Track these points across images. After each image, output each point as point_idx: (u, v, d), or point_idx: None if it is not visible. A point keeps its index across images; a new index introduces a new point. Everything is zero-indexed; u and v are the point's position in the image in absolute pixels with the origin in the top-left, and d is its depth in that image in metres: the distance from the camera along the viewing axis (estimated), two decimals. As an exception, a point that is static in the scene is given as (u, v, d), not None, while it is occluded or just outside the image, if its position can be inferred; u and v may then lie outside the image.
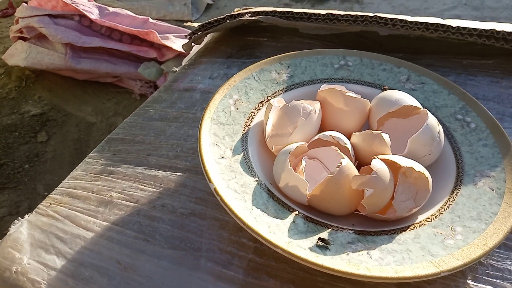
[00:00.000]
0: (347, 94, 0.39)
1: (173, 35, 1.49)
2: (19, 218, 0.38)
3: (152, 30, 1.45)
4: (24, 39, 1.55)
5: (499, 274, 0.31)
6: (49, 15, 1.46)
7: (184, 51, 0.63)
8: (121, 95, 1.54)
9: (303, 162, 0.35)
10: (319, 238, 0.30)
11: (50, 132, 1.38)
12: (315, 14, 0.55)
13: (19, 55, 1.54)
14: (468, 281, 0.30)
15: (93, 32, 1.49)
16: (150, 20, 1.53)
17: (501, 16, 1.68)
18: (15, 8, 1.61)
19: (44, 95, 1.55)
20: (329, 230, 0.31)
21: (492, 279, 0.30)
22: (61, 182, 0.43)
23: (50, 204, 0.40)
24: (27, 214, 0.39)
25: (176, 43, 1.47)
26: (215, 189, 0.32)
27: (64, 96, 1.54)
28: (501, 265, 0.31)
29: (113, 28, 1.47)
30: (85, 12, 1.44)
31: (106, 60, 1.49)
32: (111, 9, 1.52)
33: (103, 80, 1.57)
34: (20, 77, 1.64)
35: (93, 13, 1.47)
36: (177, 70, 0.60)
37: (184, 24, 0.78)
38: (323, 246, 0.29)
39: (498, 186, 0.33)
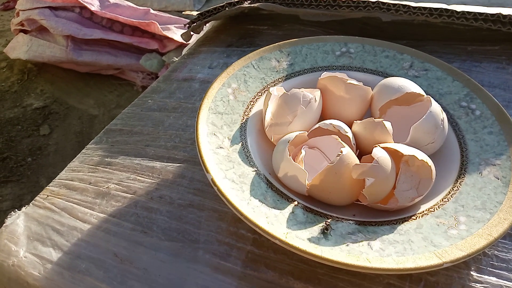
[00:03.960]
0: (348, 81, 0.37)
1: (175, 26, 1.47)
2: (16, 210, 0.38)
3: (153, 21, 1.43)
4: (25, 32, 1.54)
5: (504, 265, 0.30)
6: (50, 7, 1.45)
7: (185, 42, 0.62)
8: (123, 87, 1.53)
9: (303, 152, 0.34)
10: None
11: (52, 125, 1.38)
12: (316, 0, 0.53)
13: (20, 48, 1.53)
14: (472, 272, 0.29)
15: (94, 24, 1.48)
16: (151, 11, 1.51)
17: (508, 3, 1.65)
18: (17, 1, 1.60)
19: (46, 88, 1.55)
20: (329, 220, 0.30)
21: (497, 270, 0.30)
22: (63, 175, 0.42)
23: (47, 196, 0.40)
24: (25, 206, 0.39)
25: (178, 34, 1.45)
26: (212, 179, 0.31)
27: (66, 89, 1.54)
28: (506, 256, 0.30)
29: (114, 19, 1.46)
30: (85, 4, 1.43)
31: (107, 52, 1.48)
32: (112, 0, 1.50)
33: (104, 73, 1.56)
34: (22, 70, 1.64)
35: (94, 5, 1.45)
36: (177, 60, 0.60)
37: (183, 12, 0.77)
38: (325, 230, 0.29)
39: (504, 175, 0.32)
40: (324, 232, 0.29)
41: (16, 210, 0.38)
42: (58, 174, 0.42)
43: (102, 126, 1.32)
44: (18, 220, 0.37)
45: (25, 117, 1.42)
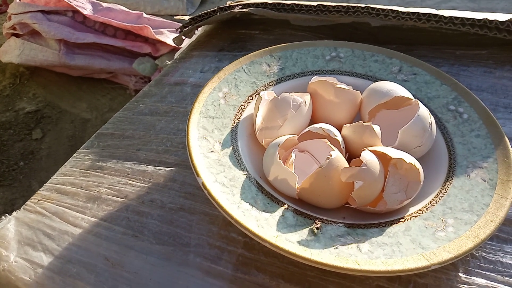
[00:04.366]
0: (338, 85, 0.38)
1: (167, 30, 1.47)
2: (6, 214, 0.38)
3: (146, 25, 1.43)
4: (17, 35, 1.53)
5: (491, 266, 0.30)
6: (42, 11, 1.44)
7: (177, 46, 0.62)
8: (115, 91, 1.53)
9: (293, 155, 0.34)
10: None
11: (45, 129, 1.37)
12: (306, 6, 0.54)
13: (12, 52, 1.52)
14: (459, 274, 0.30)
15: (86, 28, 1.47)
16: (144, 15, 1.51)
17: (497, 8, 1.66)
18: (9, 5, 1.59)
19: (38, 92, 1.54)
20: (319, 223, 0.30)
21: (484, 272, 0.30)
22: (55, 179, 0.42)
23: (38, 200, 0.40)
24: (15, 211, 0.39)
25: (170, 38, 1.45)
26: (202, 183, 0.31)
27: (59, 93, 1.53)
28: (493, 257, 0.31)
29: (107, 23, 1.46)
30: (78, 8, 1.43)
31: (100, 56, 1.47)
32: (104, 4, 1.50)
33: (97, 76, 1.56)
34: (14, 74, 1.63)
35: (86, 9, 1.45)
36: (169, 64, 0.60)
37: (175, 17, 0.77)
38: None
39: (491, 177, 0.33)
40: (313, 231, 0.29)
41: (7, 214, 0.38)
42: (51, 178, 0.42)
43: (95, 130, 1.31)
44: (8, 225, 0.37)
45: (17, 121, 1.41)
